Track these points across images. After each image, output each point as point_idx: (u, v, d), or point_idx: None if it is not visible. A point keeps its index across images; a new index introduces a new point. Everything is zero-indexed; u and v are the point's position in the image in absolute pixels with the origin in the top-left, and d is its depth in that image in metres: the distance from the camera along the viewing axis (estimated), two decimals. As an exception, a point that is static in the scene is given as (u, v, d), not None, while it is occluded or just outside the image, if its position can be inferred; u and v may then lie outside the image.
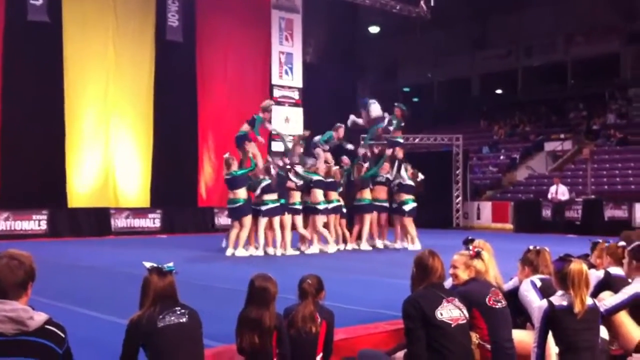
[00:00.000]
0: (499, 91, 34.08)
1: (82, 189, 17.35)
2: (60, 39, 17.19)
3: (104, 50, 18.08)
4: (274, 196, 12.03)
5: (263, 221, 11.98)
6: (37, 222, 15.96)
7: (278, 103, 21.83)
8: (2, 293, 2.88)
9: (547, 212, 19.70)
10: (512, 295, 5.27)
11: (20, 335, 2.81)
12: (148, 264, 3.86)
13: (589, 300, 4.13)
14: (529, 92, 31.80)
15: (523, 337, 4.74)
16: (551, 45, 30.67)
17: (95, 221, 16.84)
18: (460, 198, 22.21)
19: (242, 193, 11.86)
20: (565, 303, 4.07)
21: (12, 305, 2.85)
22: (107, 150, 18.06)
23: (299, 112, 22.26)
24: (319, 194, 12.56)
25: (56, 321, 2.96)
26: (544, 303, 4.12)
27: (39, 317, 2.89)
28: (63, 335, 2.93)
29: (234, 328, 4.33)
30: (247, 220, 11.84)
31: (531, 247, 5.30)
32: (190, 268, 9.35)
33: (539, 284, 4.94)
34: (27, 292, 2.97)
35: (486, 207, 22.65)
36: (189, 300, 3.94)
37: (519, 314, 5.13)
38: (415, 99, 36.75)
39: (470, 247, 5.32)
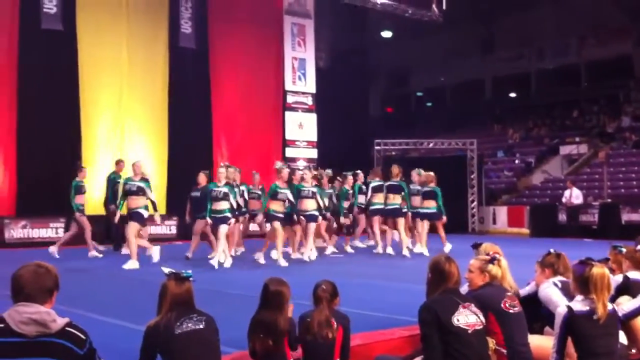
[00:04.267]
0: (512, 94, 33.94)
1: (98, 194, 17.44)
2: (74, 47, 17.35)
3: (117, 57, 18.21)
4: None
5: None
6: (54, 230, 16.03)
7: (292, 109, 21.90)
8: (29, 297, 2.96)
9: (563, 217, 19.58)
10: (529, 301, 5.25)
11: (42, 337, 2.88)
12: (166, 270, 3.88)
13: (608, 306, 4.10)
14: (542, 94, 31.65)
15: (541, 342, 4.71)
16: (563, 48, 30.51)
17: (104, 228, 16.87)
18: (475, 203, 22.13)
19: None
20: (585, 308, 4.04)
21: (37, 308, 2.93)
22: (122, 154, 18.14)
23: (312, 117, 22.29)
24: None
25: (77, 324, 3.03)
26: (563, 309, 4.09)
27: (61, 321, 2.97)
28: (84, 337, 2.99)
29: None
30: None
31: (552, 251, 5.28)
32: (205, 274, 9.39)
33: (559, 285, 4.91)
34: (52, 300, 3.05)
35: (502, 212, 22.55)
36: (203, 306, 3.95)
37: (535, 320, 5.10)
38: (429, 104, 36.69)
39: (478, 251, 5.33)
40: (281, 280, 4.42)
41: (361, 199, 14.48)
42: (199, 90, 19.58)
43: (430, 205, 13.64)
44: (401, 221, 13.51)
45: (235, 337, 4.64)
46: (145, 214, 11.32)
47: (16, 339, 2.86)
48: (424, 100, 36.97)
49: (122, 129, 18.39)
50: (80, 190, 12.72)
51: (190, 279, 3.89)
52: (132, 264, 10.83)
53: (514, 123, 30.90)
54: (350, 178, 14.50)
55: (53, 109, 16.38)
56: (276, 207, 11.83)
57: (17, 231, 15.05)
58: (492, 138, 30.28)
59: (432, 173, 13.88)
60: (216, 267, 10.79)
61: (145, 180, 11.50)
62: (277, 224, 11.65)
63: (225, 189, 11.23)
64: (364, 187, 14.53)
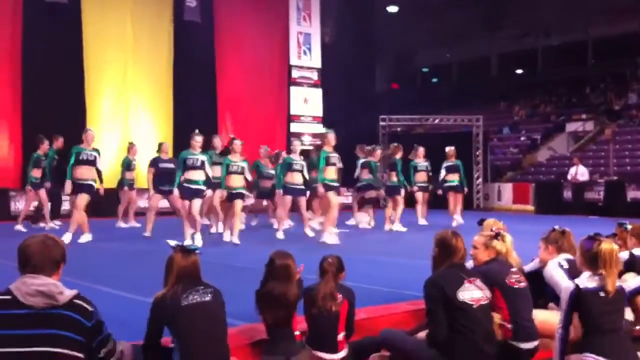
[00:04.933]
0: (518, 71, 33.73)
1: (102, 169, 17.46)
2: (79, 21, 17.31)
3: (122, 31, 18.16)
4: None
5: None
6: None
7: (297, 84, 21.83)
8: (37, 268, 2.96)
9: (568, 194, 19.57)
10: (533, 276, 5.26)
11: (49, 309, 2.88)
12: (172, 243, 3.89)
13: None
14: (549, 72, 31.45)
15: (546, 318, 4.73)
16: (570, 25, 30.23)
17: (116, 201, 16.91)
18: (480, 179, 22.11)
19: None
20: (591, 285, 4.03)
21: (44, 280, 2.93)
22: (127, 130, 18.18)
23: (318, 92, 22.22)
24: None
25: (84, 296, 3.03)
26: (570, 285, 4.08)
27: (69, 292, 2.96)
28: (91, 309, 2.99)
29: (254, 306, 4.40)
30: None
31: (556, 227, 5.27)
32: (211, 247, 9.42)
33: (565, 265, 4.91)
34: (59, 272, 3.06)
35: (507, 189, 22.54)
36: (211, 279, 3.97)
37: (540, 295, 5.11)
38: (434, 80, 36.51)
39: (483, 227, 5.35)
40: (286, 253, 4.46)
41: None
42: (204, 64, 19.48)
43: (454, 179, 14.54)
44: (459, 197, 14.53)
45: (242, 310, 4.66)
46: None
47: (24, 311, 2.86)
48: (430, 77, 36.79)
49: (127, 104, 18.38)
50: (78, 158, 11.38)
51: (197, 251, 3.90)
52: (85, 237, 10.56)
53: (520, 100, 30.76)
54: (378, 152, 14.18)
55: (57, 84, 16.31)
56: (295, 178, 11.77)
57: (22, 203, 15.02)
58: (498, 115, 30.17)
59: (453, 148, 14.88)
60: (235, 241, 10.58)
61: (97, 150, 11.10)
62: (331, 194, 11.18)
63: (243, 163, 11.01)
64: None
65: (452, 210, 14.39)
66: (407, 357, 4.36)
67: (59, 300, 2.91)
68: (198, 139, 10.57)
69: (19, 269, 3.00)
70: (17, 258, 3.02)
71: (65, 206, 14.47)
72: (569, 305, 4.02)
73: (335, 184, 11.19)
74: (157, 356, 3.80)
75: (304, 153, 13.65)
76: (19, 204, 15.26)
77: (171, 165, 11.74)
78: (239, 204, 10.78)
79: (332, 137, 11.08)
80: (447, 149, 14.88)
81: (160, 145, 12.61)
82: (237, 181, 10.83)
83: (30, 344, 2.81)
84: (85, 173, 10.68)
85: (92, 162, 10.79)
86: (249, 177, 11.49)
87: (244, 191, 11.03)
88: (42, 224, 13.16)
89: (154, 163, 12.11)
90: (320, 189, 10.87)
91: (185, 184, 10.30)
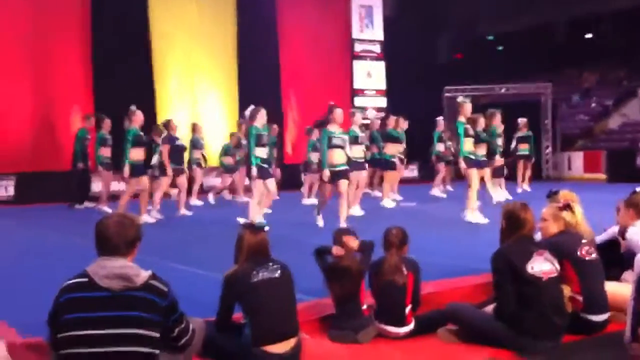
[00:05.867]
0: (587, 35, 32.60)
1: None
2: (145, 3, 17.62)
3: (187, 9, 18.42)
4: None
5: None
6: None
7: (360, 57, 21.72)
8: (114, 249, 3.03)
9: (642, 160, 18.96)
10: (608, 246, 5.16)
11: (126, 291, 2.95)
12: (242, 220, 3.99)
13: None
14: (619, 35, 30.27)
15: (618, 289, 4.63)
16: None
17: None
18: (550, 149, 21.63)
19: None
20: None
21: (121, 262, 3.01)
22: (195, 110, 18.47)
23: (381, 65, 22.07)
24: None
25: (159, 276, 3.10)
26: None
27: (144, 274, 3.03)
28: (166, 290, 3.06)
29: (322, 282, 4.49)
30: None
31: (638, 189, 5.14)
32: (278, 223, 9.51)
33: None
34: (135, 251, 3.12)
35: (577, 158, 21.96)
36: (278, 255, 4.05)
37: (613, 266, 5.01)
38: (500, 48, 35.66)
39: (552, 199, 5.23)
40: (347, 229, 4.55)
41: (440, 147, 14.88)
42: (267, 42, 19.56)
43: (525, 148, 15.40)
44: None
45: (310, 286, 4.74)
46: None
47: (102, 294, 2.92)
48: (495, 45, 35.93)
49: (192, 84, 18.67)
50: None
51: (265, 228, 3.99)
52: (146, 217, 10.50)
53: (589, 66, 29.78)
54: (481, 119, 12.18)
55: (126, 66, 16.62)
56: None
57: (95, 184, 15.39)
58: (567, 82, 29.29)
59: (525, 119, 15.69)
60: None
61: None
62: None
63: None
64: (443, 134, 14.91)
65: (522, 178, 14.98)
66: (474, 330, 4.36)
67: (136, 282, 2.97)
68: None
69: (97, 249, 3.06)
70: (94, 238, 3.07)
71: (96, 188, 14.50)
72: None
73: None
74: (229, 332, 3.92)
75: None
76: (95, 186, 15.65)
77: (182, 143, 12.14)
78: (344, 184, 9.44)
79: (468, 107, 10.16)
80: (520, 120, 15.28)
81: (168, 122, 12.12)
82: (339, 157, 9.57)
83: (108, 325, 2.88)
84: (140, 154, 10.75)
85: (146, 143, 10.99)
86: (350, 153, 10.01)
87: (347, 167, 9.67)
88: (91, 205, 13.22)
89: (168, 140, 11.73)
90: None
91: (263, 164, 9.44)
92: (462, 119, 10.05)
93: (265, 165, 9.53)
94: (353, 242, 4.62)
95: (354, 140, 10.80)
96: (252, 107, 9.80)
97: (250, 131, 9.56)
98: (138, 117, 10.66)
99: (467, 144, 10.03)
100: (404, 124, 13.52)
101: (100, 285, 2.94)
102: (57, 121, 16.62)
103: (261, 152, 9.45)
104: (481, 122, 11.69)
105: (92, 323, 2.88)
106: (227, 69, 19.14)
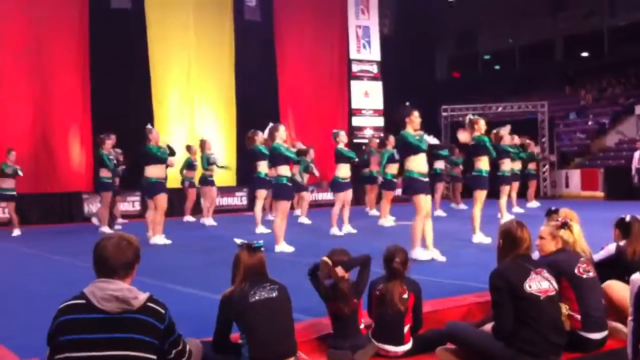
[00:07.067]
0: (584, 54, 32.78)
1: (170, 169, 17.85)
2: (143, 24, 17.71)
3: (184, 33, 18.51)
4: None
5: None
6: (131, 204, 16.51)
7: (357, 78, 21.83)
8: (112, 272, 3.01)
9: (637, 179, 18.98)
10: (604, 265, 5.16)
11: (124, 314, 2.94)
12: (239, 241, 3.99)
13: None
14: (615, 53, 30.43)
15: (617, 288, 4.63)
16: (637, 2, 29.18)
17: (182, 201, 17.24)
18: (547, 166, 21.67)
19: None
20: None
21: (118, 285, 2.99)
22: (193, 130, 18.51)
23: (378, 85, 22.17)
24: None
25: (157, 298, 3.09)
26: (638, 277, 3.92)
27: (142, 296, 3.02)
28: (163, 312, 3.04)
29: (320, 301, 4.48)
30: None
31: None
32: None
33: None
34: (133, 273, 3.11)
35: (575, 175, 22.01)
36: (274, 275, 4.06)
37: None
38: (497, 67, 35.84)
39: (550, 217, 5.24)
40: (342, 250, 4.63)
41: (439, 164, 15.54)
42: (265, 62, 19.71)
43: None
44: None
45: (307, 305, 4.74)
46: None
47: (99, 315, 2.91)
48: (492, 64, 36.13)
49: (192, 104, 18.74)
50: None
51: (262, 249, 3.99)
52: (159, 239, 10.44)
53: (586, 84, 29.90)
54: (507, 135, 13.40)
55: (125, 88, 16.72)
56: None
57: (96, 205, 15.44)
58: (564, 100, 29.39)
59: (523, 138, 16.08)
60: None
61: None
62: None
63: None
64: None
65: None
66: (473, 350, 4.33)
67: (133, 305, 2.96)
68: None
69: (94, 270, 3.05)
70: (92, 259, 3.05)
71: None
72: (637, 299, 3.85)
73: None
74: (226, 352, 3.91)
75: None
76: (92, 207, 15.69)
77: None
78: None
79: (482, 123, 10.38)
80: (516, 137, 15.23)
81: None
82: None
83: (105, 347, 2.87)
84: (160, 172, 10.88)
85: (164, 161, 10.99)
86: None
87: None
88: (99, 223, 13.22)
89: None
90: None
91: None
92: (477, 134, 10.09)
93: (290, 184, 9.44)
94: (340, 272, 4.55)
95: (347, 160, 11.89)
96: (270, 124, 9.74)
97: (274, 149, 9.33)
98: (155, 135, 10.91)
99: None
100: None
101: (98, 307, 2.92)
102: (56, 143, 16.69)
103: (285, 171, 9.34)
104: (507, 139, 12.06)
105: (89, 345, 2.87)
106: (225, 90, 19.21)
